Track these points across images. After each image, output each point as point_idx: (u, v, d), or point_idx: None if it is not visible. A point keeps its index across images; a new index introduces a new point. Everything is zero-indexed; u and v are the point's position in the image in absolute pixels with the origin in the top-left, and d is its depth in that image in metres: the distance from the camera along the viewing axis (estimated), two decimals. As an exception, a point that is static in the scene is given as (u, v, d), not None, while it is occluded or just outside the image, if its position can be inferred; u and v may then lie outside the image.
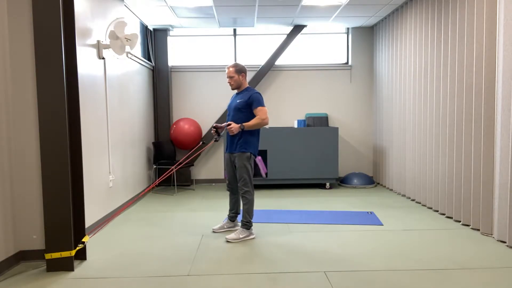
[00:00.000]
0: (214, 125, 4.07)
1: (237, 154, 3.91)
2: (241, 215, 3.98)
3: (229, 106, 4.08)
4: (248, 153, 3.90)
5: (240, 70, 3.95)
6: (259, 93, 3.94)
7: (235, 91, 4.07)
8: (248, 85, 4.04)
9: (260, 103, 3.87)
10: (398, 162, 6.14)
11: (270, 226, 4.39)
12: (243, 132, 3.88)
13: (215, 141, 4.09)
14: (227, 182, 4.19)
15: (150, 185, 6.66)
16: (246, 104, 3.89)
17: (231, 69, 3.94)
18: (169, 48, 7.13)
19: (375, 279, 2.91)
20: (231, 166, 4.06)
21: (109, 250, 3.63)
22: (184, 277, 3.00)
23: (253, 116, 3.89)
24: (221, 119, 7.10)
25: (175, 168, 4.05)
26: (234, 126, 3.79)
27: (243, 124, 3.81)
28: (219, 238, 3.95)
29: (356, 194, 6.16)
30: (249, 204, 3.92)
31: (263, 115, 3.83)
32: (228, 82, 3.99)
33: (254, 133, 3.95)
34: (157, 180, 4.05)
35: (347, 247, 3.63)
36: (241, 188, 3.93)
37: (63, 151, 3.12)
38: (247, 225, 3.93)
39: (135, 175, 5.86)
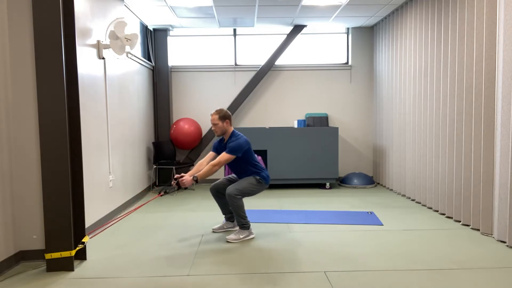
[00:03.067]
0: (175, 176, 3.76)
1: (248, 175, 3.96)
2: (236, 220, 3.96)
3: (216, 149, 4.05)
4: (259, 177, 3.92)
5: (224, 116, 3.87)
6: (242, 140, 3.83)
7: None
8: (233, 130, 3.97)
9: (232, 150, 3.77)
10: (398, 162, 6.14)
11: (270, 226, 4.39)
12: (247, 166, 3.91)
13: (176, 189, 3.83)
14: (213, 184, 4.09)
15: (150, 185, 6.66)
16: None
17: (214, 116, 3.86)
18: (169, 48, 7.13)
19: (375, 279, 2.91)
20: (231, 180, 4.07)
21: (109, 250, 3.63)
22: (184, 277, 3.00)
23: (247, 159, 3.91)
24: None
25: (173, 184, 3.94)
26: (187, 179, 3.67)
27: (196, 175, 3.69)
28: (219, 238, 3.96)
29: (356, 194, 6.16)
30: (238, 208, 3.83)
31: (217, 161, 3.72)
32: (213, 129, 3.92)
33: (257, 166, 3.96)
34: (159, 194, 4.05)
35: (347, 247, 3.63)
36: (232, 192, 3.78)
37: (63, 151, 3.12)
38: (244, 226, 3.92)
39: (135, 175, 5.86)
